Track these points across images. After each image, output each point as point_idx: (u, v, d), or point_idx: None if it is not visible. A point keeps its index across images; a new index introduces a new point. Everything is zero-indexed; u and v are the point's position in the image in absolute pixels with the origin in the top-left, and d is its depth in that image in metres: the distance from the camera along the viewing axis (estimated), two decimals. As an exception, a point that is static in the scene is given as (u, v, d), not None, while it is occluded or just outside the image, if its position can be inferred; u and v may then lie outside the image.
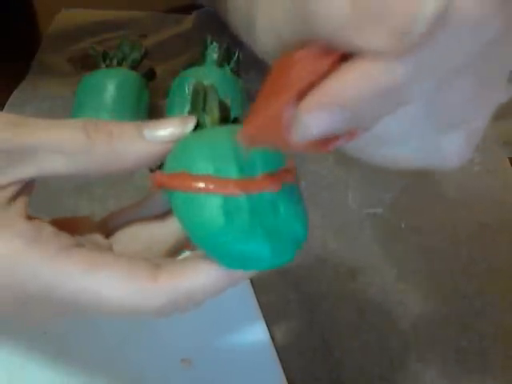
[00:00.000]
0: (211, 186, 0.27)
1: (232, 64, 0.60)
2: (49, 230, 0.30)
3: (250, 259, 0.28)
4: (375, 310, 0.49)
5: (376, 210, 0.55)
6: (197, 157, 0.28)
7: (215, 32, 0.65)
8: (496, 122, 0.54)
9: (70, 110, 0.59)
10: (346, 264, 0.51)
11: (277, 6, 0.24)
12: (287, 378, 0.44)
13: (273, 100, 0.22)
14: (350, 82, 0.20)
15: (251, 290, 0.48)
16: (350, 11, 0.19)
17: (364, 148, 0.24)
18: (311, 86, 0.21)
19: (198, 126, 0.31)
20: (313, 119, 0.21)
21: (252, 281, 0.48)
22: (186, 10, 0.75)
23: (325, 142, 0.22)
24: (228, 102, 0.31)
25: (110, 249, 0.32)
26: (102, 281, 0.28)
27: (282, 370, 0.44)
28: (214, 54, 0.61)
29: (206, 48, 0.61)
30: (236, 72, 0.61)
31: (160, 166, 0.31)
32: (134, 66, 0.61)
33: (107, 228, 0.34)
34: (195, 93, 0.32)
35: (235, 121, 0.32)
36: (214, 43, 0.61)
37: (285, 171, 0.29)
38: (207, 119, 0.31)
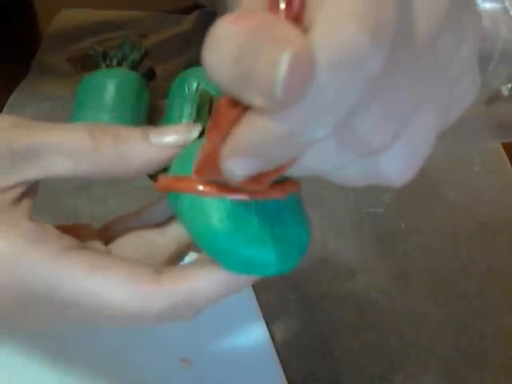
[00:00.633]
0: (218, 190, 0.27)
1: (232, 64, 0.60)
2: (52, 231, 0.30)
3: (256, 265, 0.28)
4: (375, 310, 0.49)
5: (376, 209, 0.55)
6: None
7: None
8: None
9: (69, 110, 0.59)
10: (345, 264, 0.51)
11: None
12: (287, 378, 0.44)
13: (207, 142, 0.23)
14: (247, 133, 0.21)
15: (251, 290, 0.48)
16: (232, 68, 0.19)
17: (312, 175, 0.24)
18: (230, 129, 0.21)
19: (203, 133, 0.31)
20: (231, 165, 0.22)
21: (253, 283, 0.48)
22: (186, 10, 0.75)
23: (259, 177, 0.23)
24: None
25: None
26: (104, 283, 0.28)
27: (281, 370, 0.44)
28: (214, 54, 0.61)
29: (205, 48, 0.61)
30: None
31: (160, 172, 0.31)
32: (134, 66, 0.61)
33: (107, 235, 0.34)
34: (201, 100, 0.32)
35: None
36: (214, 43, 0.61)
37: (290, 182, 0.29)
38: None
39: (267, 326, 0.46)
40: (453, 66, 0.23)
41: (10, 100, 0.63)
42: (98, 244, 0.32)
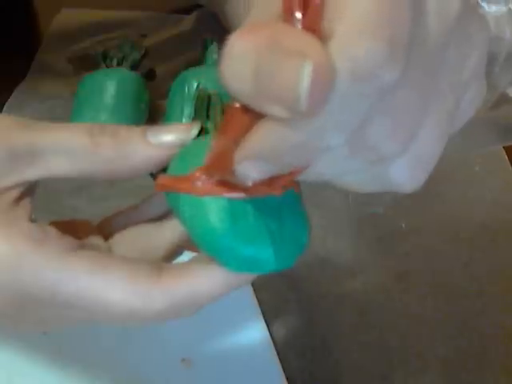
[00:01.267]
0: (216, 189, 0.28)
1: (232, 64, 0.60)
2: (52, 232, 0.30)
3: (254, 262, 0.28)
4: (375, 310, 0.49)
5: (376, 209, 0.55)
6: (199, 162, 0.29)
7: (215, 32, 0.65)
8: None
9: (70, 109, 0.59)
10: (346, 264, 0.51)
11: None
12: (287, 378, 0.44)
13: (219, 143, 0.24)
14: (264, 139, 0.21)
15: (251, 290, 0.48)
16: (252, 83, 0.20)
17: (321, 180, 0.25)
18: (245, 133, 0.22)
19: (201, 132, 0.31)
20: (245, 167, 0.22)
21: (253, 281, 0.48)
22: (186, 9, 0.75)
23: (270, 181, 0.23)
24: None
25: (109, 251, 0.33)
26: (105, 283, 0.28)
27: (281, 370, 0.44)
28: (213, 54, 0.61)
29: (205, 48, 0.61)
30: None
31: (161, 171, 0.31)
32: (134, 66, 0.61)
33: (106, 230, 0.34)
34: (199, 100, 0.32)
35: None
36: (214, 43, 0.61)
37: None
38: (210, 126, 0.31)
39: (267, 325, 0.46)
40: (461, 73, 0.24)
41: (10, 100, 0.63)
42: (97, 240, 0.32)
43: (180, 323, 0.40)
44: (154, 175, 0.32)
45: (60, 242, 0.29)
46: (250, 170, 0.22)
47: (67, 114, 0.59)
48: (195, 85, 0.58)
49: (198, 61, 0.61)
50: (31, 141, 0.30)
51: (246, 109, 0.21)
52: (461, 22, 0.22)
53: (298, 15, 0.20)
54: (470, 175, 0.58)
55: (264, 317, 0.47)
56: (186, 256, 0.32)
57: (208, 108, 0.32)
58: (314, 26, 0.20)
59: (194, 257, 0.31)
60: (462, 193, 0.57)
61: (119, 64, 0.61)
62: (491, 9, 0.53)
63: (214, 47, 0.61)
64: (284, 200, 0.28)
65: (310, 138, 0.20)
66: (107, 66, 0.61)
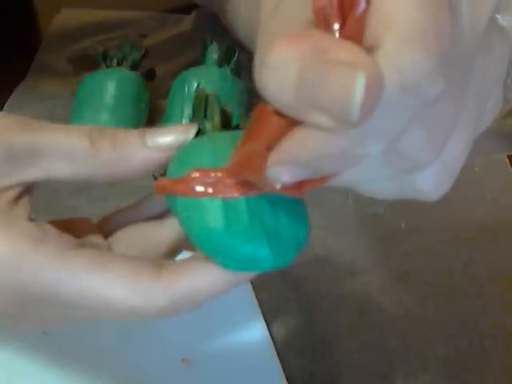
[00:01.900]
0: (210, 190, 0.28)
1: (232, 64, 0.60)
2: (52, 231, 0.30)
3: (251, 261, 0.28)
4: (375, 310, 0.49)
5: (376, 209, 0.55)
6: (197, 163, 0.29)
7: (215, 32, 0.65)
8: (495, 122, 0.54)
9: (70, 109, 0.59)
10: (346, 264, 0.51)
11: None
12: (287, 378, 0.44)
13: (248, 145, 0.24)
14: (303, 145, 0.21)
15: (251, 290, 0.48)
16: (294, 92, 0.19)
17: (345, 186, 0.25)
18: (279, 137, 0.22)
19: (199, 133, 0.31)
20: (278, 171, 0.22)
21: (251, 280, 0.48)
22: (186, 9, 0.75)
23: (299, 185, 0.23)
24: (229, 108, 0.32)
25: (109, 250, 0.33)
26: (106, 281, 0.28)
27: (281, 370, 0.44)
28: (213, 54, 0.61)
29: (205, 48, 0.61)
30: (236, 72, 0.61)
31: (163, 173, 0.31)
32: (134, 66, 0.61)
33: (106, 229, 0.34)
34: (197, 100, 0.32)
35: (236, 127, 0.32)
36: (214, 43, 0.61)
37: None
38: (208, 126, 0.32)
39: (267, 325, 0.46)
40: (485, 83, 0.24)
41: (10, 100, 0.63)
42: (97, 238, 0.32)
43: (180, 323, 0.40)
44: (155, 176, 0.33)
45: (60, 240, 0.29)
46: (282, 174, 0.22)
47: (67, 113, 0.59)
48: (195, 85, 0.58)
49: (198, 61, 0.61)
50: (31, 141, 0.30)
51: (279, 114, 0.21)
52: (485, 34, 0.23)
53: (336, 26, 0.20)
54: (469, 176, 0.58)
55: (264, 317, 0.47)
56: (187, 253, 0.32)
57: (205, 108, 0.32)
58: (355, 36, 0.20)
59: (194, 254, 0.31)
60: (462, 193, 0.57)
61: (119, 64, 0.61)
62: (505, 20, 0.54)
63: (214, 47, 0.61)
64: (280, 197, 0.28)
65: (351, 147, 0.21)
66: (107, 66, 0.61)
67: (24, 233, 0.29)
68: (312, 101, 0.19)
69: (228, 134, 0.31)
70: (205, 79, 0.59)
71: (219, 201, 0.28)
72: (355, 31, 0.20)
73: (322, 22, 0.20)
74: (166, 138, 0.31)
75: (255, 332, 0.46)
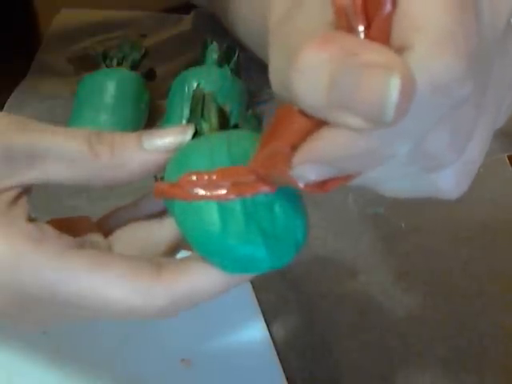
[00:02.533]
0: (205, 193, 0.28)
1: (232, 64, 0.60)
2: (51, 231, 0.30)
3: (249, 262, 0.28)
4: (375, 310, 0.49)
5: (376, 209, 0.55)
6: (194, 164, 0.29)
7: (215, 32, 0.65)
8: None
9: (70, 109, 0.59)
10: (346, 264, 0.51)
11: (280, 62, 0.25)
12: (287, 378, 0.44)
13: (271, 144, 0.24)
14: (332, 145, 0.21)
15: (251, 290, 0.48)
16: (326, 95, 0.20)
17: (365, 185, 0.25)
18: (304, 136, 0.22)
19: (197, 133, 0.31)
20: (304, 170, 0.23)
21: (251, 280, 0.48)
22: (186, 9, 0.75)
23: (323, 184, 0.24)
24: (227, 108, 0.32)
25: (109, 248, 0.33)
26: (105, 281, 0.28)
27: (282, 370, 0.44)
28: (213, 54, 0.61)
29: (205, 48, 0.61)
30: (236, 72, 0.61)
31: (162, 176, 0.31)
32: (134, 66, 0.61)
33: (106, 227, 0.34)
34: (194, 100, 0.32)
35: (235, 126, 0.32)
36: (214, 43, 0.61)
37: None
38: (205, 126, 0.31)
39: (267, 325, 0.46)
40: (503, 85, 0.25)
41: (10, 100, 0.63)
42: (97, 237, 0.32)
43: (180, 323, 0.40)
44: (157, 178, 0.33)
45: (59, 241, 0.29)
46: (309, 172, 0.23)
47: (67, 113, 0.59)
48: (195, 85, 0.58)
49: (198, 61, 0.61)
50: (31, 142, 0.30)
51: (304, 114, 0.22)
52: (502, 36, 0.23)
53: (361, 28, 0.20)
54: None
55: (264, 317, 0.47)
56: (186, 252, 0.32)
57: (203, 108, 0.32)
58: (381, 37, 0.20)
59: (193, 253, 0.31)
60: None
61: (119, 64, 0.61)
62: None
63: (213, 47, 0.61)
64: (277, 197, 0.28)
65: (381, 147, 0.21)
66: (107, 66, 0.61)
67: (23, 233, 0.29)
68: (344, 102, 0.19)
69: (226, 134, 0.30)
70: (205, 79, 0.59)
71: (215, 203, 0.28)
72: (381, 33, 0.20)
73: (343, 24, 0.20)
74: (164, 140, 0.31)
75: (255, 332, 0.46)
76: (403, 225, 0.54)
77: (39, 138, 0.30)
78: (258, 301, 0.48)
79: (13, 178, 0.30)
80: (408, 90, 0.19)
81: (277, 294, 0.49)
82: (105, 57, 0.61)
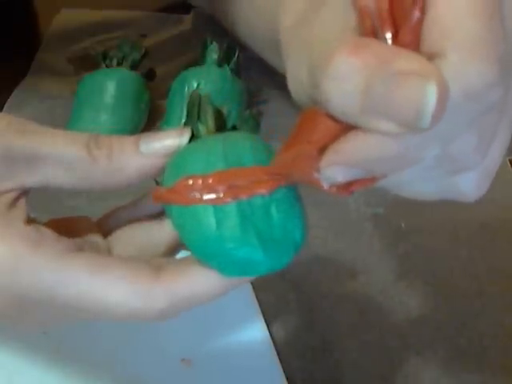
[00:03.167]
0: (201, 197, 0.28)
1: (232, 64, 0.60)
2: (49, 234, 0.30)
3: (247, 265, 0.28)
4: (375, 310, 0.49)
5: (376, 209, 0.55)
6: (191, 168, 0.29)
7: (215, 32, 0.65)
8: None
9: (70, 109, 0.59)
10: (346, 264, 0.51)
11: (301, 67, 0.25)
12: (287, 378, 0.44)
13: (296, 147, 0.25)
14: (363, 149, 0.22)
15: (251, 290, 0.48)
16: (360, 101, 0.20)
17: (388, 187, 0.26)
18: (331, 140, 0.23)
19: (194, 136, 0.31)
20: (333, 171, 0.23)
21: (251, 280, 0.48)
22: (185, 8, 0.75)
23: (347, 186, 0.24)
24: (224, 109, 0.32)
25: (109, 249, 0.33)
26: (105, 284, 0.28)
27: (282, 370, 0.44)
28: (213, 54, 0.61)
29: (205, 48, 0.61)
30: (236, 72, 0.61)
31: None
32: (134, 66, 0.61)
33: (106, 227, 0.34)
34: (190, 103, 0.32)
35: (233, 128, 0.32)
36: (214, 43, 0.61)
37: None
38: (202, 129, 0.31)
39: (267, 326, 0.46)
40: None
41: (10, 99, 0.63)
42: (97, 237, 0.32)
43: (180, 323, 0.40)
44: (157, 181, 0.33)
45: (57, 244, 0.29)
46: (336, 174, 0.23)
47: (67, 113, 0.59)
48: (195, 85, 0.58)
49: (198, 61, 0.61)
50: (30, 145, 0.30)
51: (331, 118, 0.22)
52: None
53: (388, 34, 0.21)
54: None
55: (264, 317, 0.47)
56: (186, 252, 0.32)
57: (199, 111, 0.32)
58: (410, 44, 0.20)
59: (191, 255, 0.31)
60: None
61: (119, 64, 0.61)
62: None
63: (213, 47, 0.61)
64: (274, 198, 0.28)
65: (412, 150, 0.21)
66: (107, 66, 0.61)
67: (22, 235, 0.29)
68: (379, 108, 0.20)
69: (222, 137, 0.30)
70: (205, 79, 0.59)
71: (211, 207, 0.28)
72: (409, 40, 0.20)
73: (368, 30, 0.21)
74: (161, 144, 0.31)
75: (255, 332, 0.46)
76: (403, 225, 0.54)
77: (39, 142, 0.30)
78: (258, 301, 0.48)
79: (12, 179, 0.30)
80: (444, 96, 0.19)
81: (277, 294, 0.49)
82: (105, 57, 0.61)
